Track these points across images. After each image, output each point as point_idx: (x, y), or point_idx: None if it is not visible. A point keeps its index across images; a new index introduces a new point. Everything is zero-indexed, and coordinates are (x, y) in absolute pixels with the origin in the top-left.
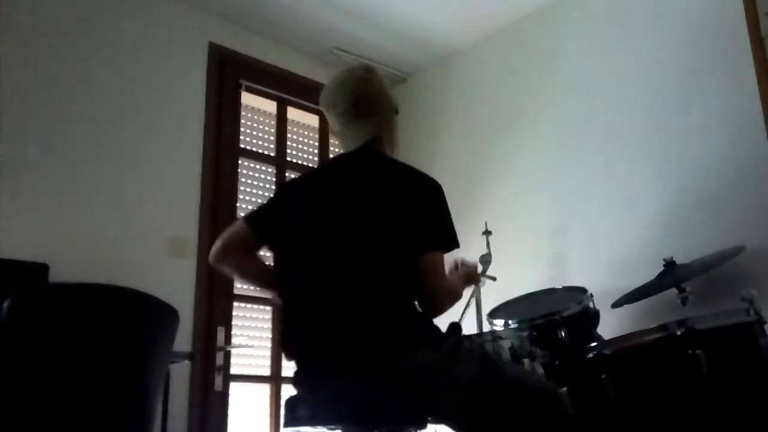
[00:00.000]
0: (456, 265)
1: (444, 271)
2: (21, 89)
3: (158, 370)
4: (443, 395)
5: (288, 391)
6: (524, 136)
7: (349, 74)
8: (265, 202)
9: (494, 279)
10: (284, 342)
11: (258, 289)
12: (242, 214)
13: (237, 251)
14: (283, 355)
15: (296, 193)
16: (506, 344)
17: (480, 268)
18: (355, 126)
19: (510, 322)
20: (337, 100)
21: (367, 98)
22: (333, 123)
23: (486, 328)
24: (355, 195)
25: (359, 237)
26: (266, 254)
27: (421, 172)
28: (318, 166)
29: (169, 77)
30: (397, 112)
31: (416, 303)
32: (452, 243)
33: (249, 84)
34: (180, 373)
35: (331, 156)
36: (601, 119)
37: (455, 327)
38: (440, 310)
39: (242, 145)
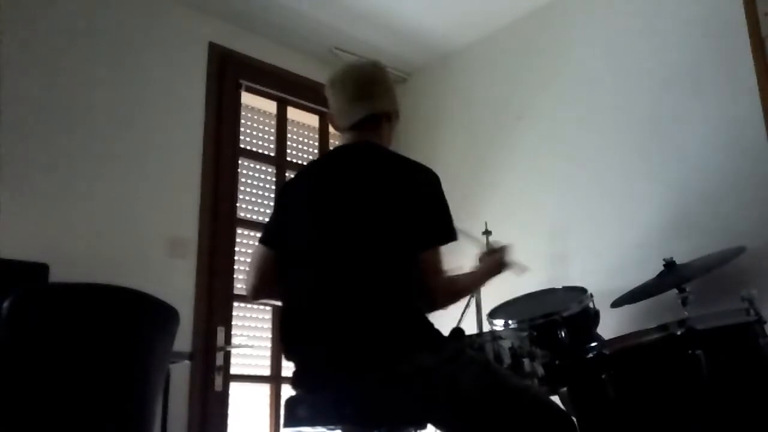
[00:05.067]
0: (488, 252)
1: (440, 266)
2: (21, 89)
3: (158, 370)
4: (442, 400)
5: (288, 391)
6: (524, 136)
7: (360, 60)
8: (270, 216)
9: (526, 268)
10: (284, 341)
11: None
12: (241, 214)
13: (271, 282)
14: (283, 355)
15: (293, 193)
16: (506, 344)
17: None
18: (356, 104)
19: (510, 322)
20: (343, 78)
21: (372, 81)
22: (334, 101)
23: (486, 328)
24: (351, 192)
25: (358, 236)
26: None
27: (418, 162)
28: (313, 161)
29: (169, 77)
30: (398, 113)
31: (416, 305)
32: (449, 236)
33: (249, 84)
34: (180, 373)
35: None
36: (601, 119)
37: (458, 332)
38: (436, 306)
39: (242, 145)
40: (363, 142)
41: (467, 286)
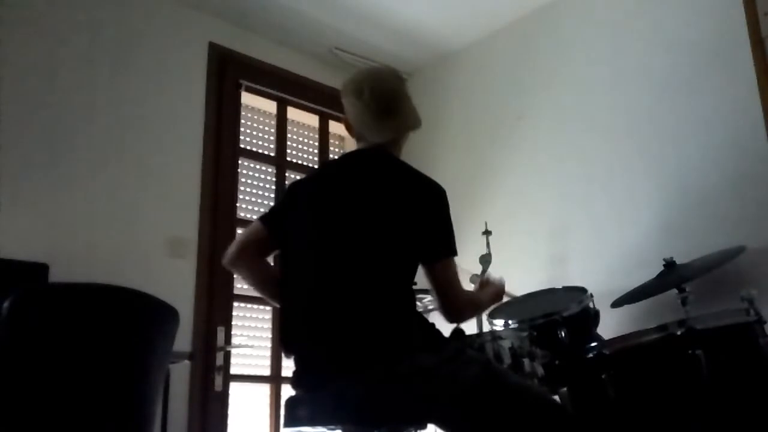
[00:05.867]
0: (483, 283)
1: (455, 280)
2: (21, 89)
3: (158, 370)
4: (443, 399)
5: (288, 391)
6: (524, 136)
7: (382, 68)
8: (276, 202)
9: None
10: (284, 340)
11: (263, 297)
12: (241, 214)
13: (252, 255)
14: (283, 354)
15: (304, 192)
16: (506, 344)
17: (480, 269)
18: (382, 119)
19: (510, 322)
20: (371, 89)
21: (400, 96)
22: (356, 112)
23: (486, 328)
24: (360, 196)
25: (360, 238)
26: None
27: (427, 176)
28: (328, 163)
29: (169, 77)
30: (418, 126)
31: (416, 306)
32: (448, 251)
33: (249, 84)
34: (180, 373)
35: (330, 156)
36: (601, 119)
37: (458, 333)
38: (460, 317)
39: (242, 145)
40: (380, 150)
41: (483, 303)
